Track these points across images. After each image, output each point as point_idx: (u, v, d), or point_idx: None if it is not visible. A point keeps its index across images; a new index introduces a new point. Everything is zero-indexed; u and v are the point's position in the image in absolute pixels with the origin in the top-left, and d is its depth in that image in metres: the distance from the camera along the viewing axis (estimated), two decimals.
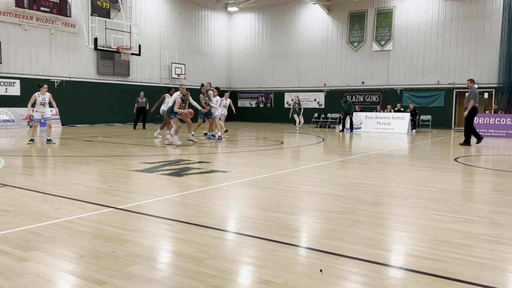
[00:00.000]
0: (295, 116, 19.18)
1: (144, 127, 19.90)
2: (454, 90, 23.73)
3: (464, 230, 4.02)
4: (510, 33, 21.92)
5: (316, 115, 26.65)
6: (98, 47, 21.37)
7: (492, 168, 8.74)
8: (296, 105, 19.39)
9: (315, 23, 27.84)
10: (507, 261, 3.28)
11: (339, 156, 10.52)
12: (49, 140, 11.85)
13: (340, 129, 20.42)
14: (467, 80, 13.58)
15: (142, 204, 4.89)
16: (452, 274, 2.93)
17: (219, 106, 14.38)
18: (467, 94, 13.43)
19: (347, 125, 20.08)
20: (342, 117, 20.48)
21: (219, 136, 13.71)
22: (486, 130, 17.63)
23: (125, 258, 3.16)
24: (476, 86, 13.31)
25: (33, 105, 11.66)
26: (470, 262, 3.18)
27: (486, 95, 23.20)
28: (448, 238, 3.76)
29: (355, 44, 26.55)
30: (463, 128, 13.45)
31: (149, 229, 3.99)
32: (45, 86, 11.87)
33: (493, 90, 22.83)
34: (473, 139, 13.32)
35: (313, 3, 27.03)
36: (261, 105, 30.40)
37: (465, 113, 13.04)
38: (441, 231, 3.97)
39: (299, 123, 19.21)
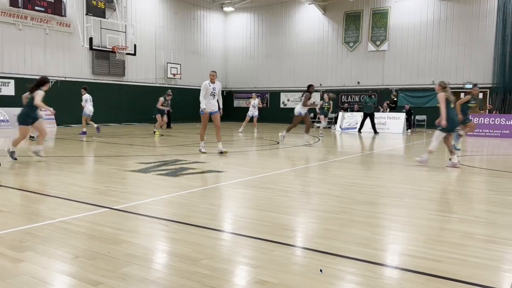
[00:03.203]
0: (322, 117, 18.21)
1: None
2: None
3: (459, 229, 4.03)
4: (504, 33, 22.03)
5: (312, 115, 26.66)
6: (93, 47, 21.27)
7: (487, 168, 8.77)
8: (326, 104, 18.29)
9: (310, 23, 27.86)
10: (503, 260, 3.29)
11: (335, 156, 10.53)
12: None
13: (358, 129, 19.20)
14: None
15: (137, 204, 4.87)
16: (448, 273, 2.94)
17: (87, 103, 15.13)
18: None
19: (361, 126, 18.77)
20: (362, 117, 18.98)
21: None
22: (480, 130, 17.71)
23: (120, 258, 3.15)
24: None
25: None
26: (466, 261, 3.19)
27: (480, 95, 23.30)
28: (444, 237, 3.77)
29: (351, 44, 26.59)
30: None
31: (145, 230, 3.97)
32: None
33: (488, 90, 22.94)
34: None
35: (309, 3, 27.05)
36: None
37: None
38: (437, 230, 3.98)
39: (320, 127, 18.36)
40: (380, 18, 25.48)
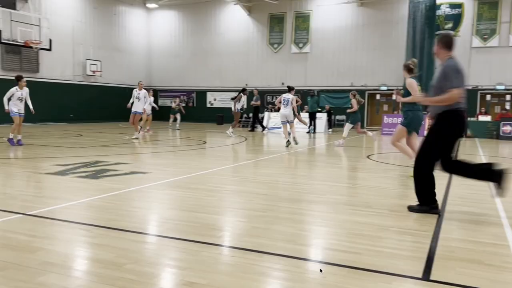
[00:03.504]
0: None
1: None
2: (366, 92, 25.22)
3: (376, 223, 4.29)
4: (414, 39, 23.75)
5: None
6: (3, 40, 19.65)
7: (400, 164, 9.42)
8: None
9: (236, 23, 28.04)
10: (414, 249, 3.56)
11: (260, 155, 10.70)
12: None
13: (307, 131, 19.16)
14: None
15: (54, 209, 4.59)
16: (367, 265, 3.12)
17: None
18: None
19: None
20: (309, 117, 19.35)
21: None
22: (389, 129, 18.96)
23: (36, 267, 2.95)
24: None
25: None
26: (382, 252, 3.40)
27: (394, 97, 24.96)
28: (363, 231, 3.99)
29: (275, 45, 27.18)
30: None
31: (63, 235, 3.75)
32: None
33: (401, 92, 24.62)
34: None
35: (234, 4, 27.21)
36: (183, 104, 29.91)
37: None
38: (356, 224, 4.21)
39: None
40: (302, 21, 26.31)
